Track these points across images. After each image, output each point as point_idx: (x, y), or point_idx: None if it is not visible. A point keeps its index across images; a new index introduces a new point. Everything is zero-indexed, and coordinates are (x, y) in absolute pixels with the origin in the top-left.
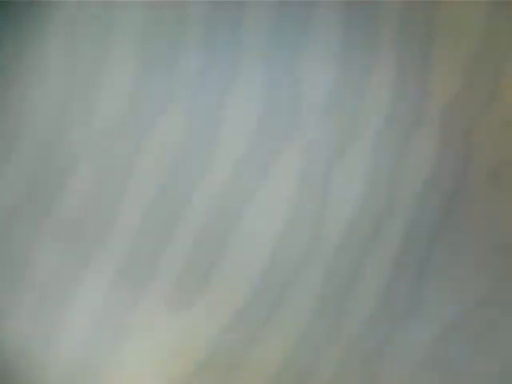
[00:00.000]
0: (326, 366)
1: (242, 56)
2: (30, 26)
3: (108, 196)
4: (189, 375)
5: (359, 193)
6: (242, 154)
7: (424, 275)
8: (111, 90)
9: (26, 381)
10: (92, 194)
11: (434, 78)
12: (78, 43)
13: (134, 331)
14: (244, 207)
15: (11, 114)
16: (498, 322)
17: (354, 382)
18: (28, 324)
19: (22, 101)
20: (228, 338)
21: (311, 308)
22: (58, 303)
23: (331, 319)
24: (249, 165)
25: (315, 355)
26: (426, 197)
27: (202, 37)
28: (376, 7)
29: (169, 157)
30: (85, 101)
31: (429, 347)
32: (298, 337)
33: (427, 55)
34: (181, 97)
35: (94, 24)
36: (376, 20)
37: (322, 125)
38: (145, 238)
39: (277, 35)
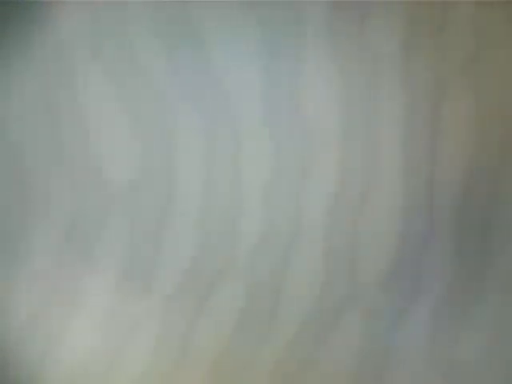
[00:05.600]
0: (263, 353)
1: (242, 57)
2: (25, 27)
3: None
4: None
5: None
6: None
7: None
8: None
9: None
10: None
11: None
12: (77, 44)
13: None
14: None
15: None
16: None
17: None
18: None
19: (15, 101)
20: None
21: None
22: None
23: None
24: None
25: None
26: None
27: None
28: (371, 7)
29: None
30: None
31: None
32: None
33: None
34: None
35: (95, 25)
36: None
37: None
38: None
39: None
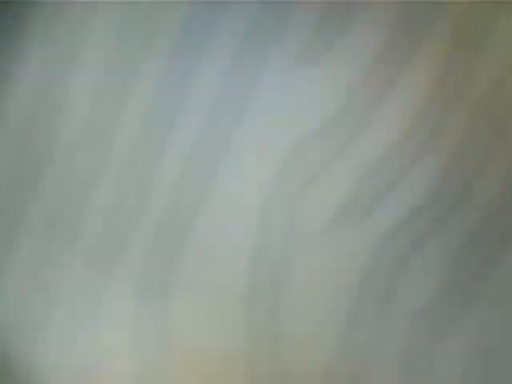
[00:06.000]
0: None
1: (214, 58)
2: (5, 26)
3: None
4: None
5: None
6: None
7: None
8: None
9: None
10: (65, 183)
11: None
12: (55, 44)
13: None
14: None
15: None
16: None
17: None
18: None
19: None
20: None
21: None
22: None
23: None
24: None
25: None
26: None
27: (178, 38)
28: (368, 7)
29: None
30: (58, 102)
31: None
32: None
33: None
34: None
35: (72, 24)
36: (369, 21)
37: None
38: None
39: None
